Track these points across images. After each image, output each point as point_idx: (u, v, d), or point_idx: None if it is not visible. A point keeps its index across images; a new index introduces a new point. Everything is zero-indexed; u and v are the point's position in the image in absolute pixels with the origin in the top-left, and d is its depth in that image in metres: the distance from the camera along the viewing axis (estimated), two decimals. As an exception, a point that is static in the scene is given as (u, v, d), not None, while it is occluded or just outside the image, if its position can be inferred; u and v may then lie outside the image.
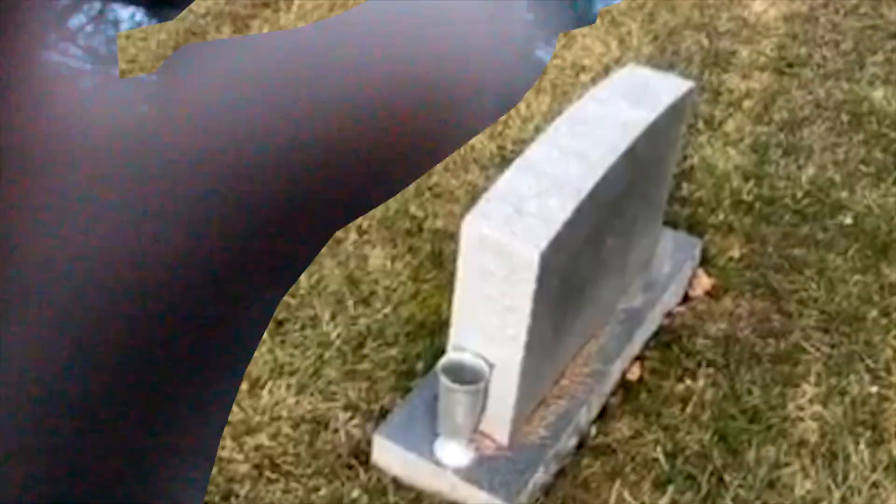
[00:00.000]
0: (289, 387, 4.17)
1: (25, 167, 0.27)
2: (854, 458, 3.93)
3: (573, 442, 3.88)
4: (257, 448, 3.94)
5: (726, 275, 4.72)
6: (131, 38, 5.89)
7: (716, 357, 4.31)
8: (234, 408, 4.08)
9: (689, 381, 4.20)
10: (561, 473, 3.83)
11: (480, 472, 3.63)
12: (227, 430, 3.99)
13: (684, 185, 5.27)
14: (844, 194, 5.25)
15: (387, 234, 4.94)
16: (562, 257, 3.37)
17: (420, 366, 4.22)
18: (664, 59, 6.44)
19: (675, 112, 3.99)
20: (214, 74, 0.28)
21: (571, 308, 3.76)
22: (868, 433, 4.03)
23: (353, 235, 4.93)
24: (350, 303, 4.57)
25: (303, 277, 4.64)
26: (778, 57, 6.52)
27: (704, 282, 4.65)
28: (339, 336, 4.40)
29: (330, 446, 3.94)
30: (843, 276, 4.74)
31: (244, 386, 4.17)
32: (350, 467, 3.86)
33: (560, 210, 3.34)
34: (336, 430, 4.00)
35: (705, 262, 4.75)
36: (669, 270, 4.47)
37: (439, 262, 4.75)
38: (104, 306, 0.27)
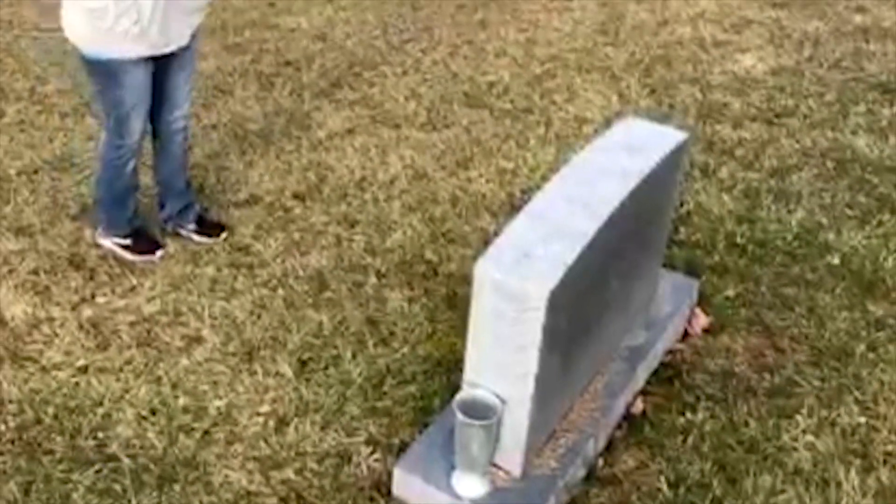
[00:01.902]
0: (313, 423, 4.14)
1: None
2: (846, 486, 3.89)
3: (582, 473, 3.85)
4: (284, 482, 3.90)
5: (723, 313, 4.69)
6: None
7: (714, 391, 4.27)
8: (262, 443, 4.05)
9: (689, 415, 4.16)
10: (571, 503, 3.80)
11: (495, 502, 3.59)
12: (254, 464, 3.96)
13: (682, 229, 5.25)
14: (832, 236, 5.23)
15: (404, 278, 4.92)
16: (568, 299, 3.35)
17: (437, 402, 4.19)
18: (661, 112, 6.44)
19: (672, 161, 3.98)
20: None
21: (578, 346, 3.73)
22: (858, 461, 3.99)
23: (372, 279, 4.92)
24: (370, 343, 4.55)
25: (325, 319, 4.63)
26: (767, 108, 6.51)
27: (702, 320, 4.62)
28: (360, 374, 4.37)
29: (353, 479, 3.91)
30: (831, 313, 4.71)
31: (271, 422, 4.14)
32: (372, 499, 3.82)
33: (566, 254, 3.31)
34: (358, 464, 3.96)
35: (703, 301, 4.72)
36: (669, 310, 4.44)
37: (454, 303, 4.73)
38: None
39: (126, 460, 3.98)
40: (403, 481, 3.74)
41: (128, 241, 5.11)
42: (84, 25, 4.53)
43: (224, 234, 5.24)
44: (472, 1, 8.32)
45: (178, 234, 5.22)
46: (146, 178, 5.33)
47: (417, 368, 4.41)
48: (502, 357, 3.40)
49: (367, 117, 6.48)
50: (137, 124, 4.79)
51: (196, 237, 5.22)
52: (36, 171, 5.82)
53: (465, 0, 8.34)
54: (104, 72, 4.63)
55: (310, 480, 3.91)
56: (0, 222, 5.35)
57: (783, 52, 7.30)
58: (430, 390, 4.28)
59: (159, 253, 5.13)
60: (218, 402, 4.25)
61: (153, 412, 4.21)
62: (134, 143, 4.83)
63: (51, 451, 4.03)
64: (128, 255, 5.10)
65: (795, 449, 4.03)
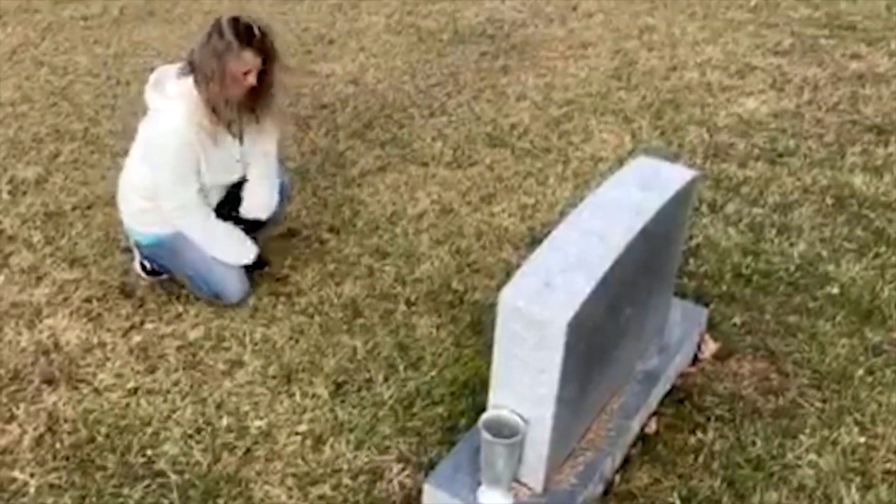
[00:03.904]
0: (348, 442, 4.13)
1: None
2: (846, 502, 3.85)
3: (599, 489, 3.83)
4: (321, 497, 3.89)
5: (730, 339, 4.67)
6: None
7: (723, 412, 4.25)
8: (299, 461, 4.04)
9: (700, 434, 4.14)
10: (589, 517, 3.79)
11: (518, 516, 3.59)
12: (293, 480, 3.96)
13: (691, 260, 5.24)
14: (831, 267, 5.20)
15: (432, 306, 4.92)
16: (586, 326, 3.34)
17: (463, 422, 4.18)
18: (671, 151, 6.43)
19: (682, 197, 3.97)
20: None
21: (595, 370, 3.72)
22: (858, 479, 3.96)
23: (402, 307, 4.91)
24: (401, 366, 4.54)
25: (359, 344, 4.63)
26: (770, 148, 6.50)
27: (711, 346, 4.60)
28: (391, 396, 4.36)
29: (385, 495, 3.89)
30: (832, 339, 4.69)
31: (308, 441, 4.14)
32: (403, 513, 3.83)
33: (584, 284, 3.30)
34: (390, 481, 3.95)
35: (711, 328, 4.70)
36: (680, 336, 4.42)
37: (479, 330, 4.72)
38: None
39: (173, 476, 3.99)
40: (432, 496, 3.72)
41: (145, 261, 5.15)
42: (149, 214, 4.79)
43: (266, 268, 5.24)
44: (494, 49, 8.34)
45: None
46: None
47: (445, 390, 4.40)
48: (525, 380, 3.39)
49: (397, 156, 6.49)
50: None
51: None
52: (90, 207, 5.85)
53: (488, 48, 8.36)
54: (161, 245, 4.83)
55: (345, 496, 3.90)
56: (56, 254, 5.38)
57: (784, 96, 7.29)
58: (457, 411, 4.27)
59: (162, 277, 5.15)
60: (259, 422, 4.25)
61: (198, 431, 4.21)
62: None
63: (103, 468, 4.04)
64: (137, 268, 5.17)
65: (799, 467, 4.01)
